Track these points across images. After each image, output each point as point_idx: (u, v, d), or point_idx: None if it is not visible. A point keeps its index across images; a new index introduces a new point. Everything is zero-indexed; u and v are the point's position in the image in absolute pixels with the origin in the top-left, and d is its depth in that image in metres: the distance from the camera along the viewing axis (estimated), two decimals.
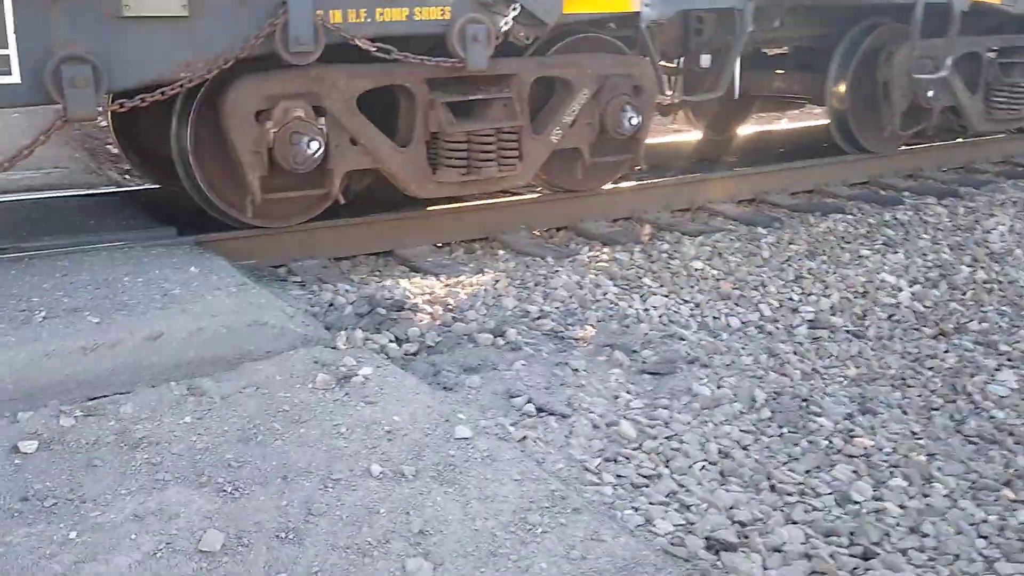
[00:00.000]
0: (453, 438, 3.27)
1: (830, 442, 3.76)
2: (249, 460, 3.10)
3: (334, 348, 4.00)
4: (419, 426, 3.34)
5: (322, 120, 5.16)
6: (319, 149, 5.08)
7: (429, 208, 6.06)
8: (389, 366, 3.88)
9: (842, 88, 7.57)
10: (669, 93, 6.70)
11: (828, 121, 7.96)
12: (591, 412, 3.70)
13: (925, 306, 5.51)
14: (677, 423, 3.70)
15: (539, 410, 3.69)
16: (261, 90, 5.00)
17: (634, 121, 6.15)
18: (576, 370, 4.13)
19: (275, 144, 5.01)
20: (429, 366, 4.16)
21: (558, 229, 6.40)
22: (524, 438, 3.41)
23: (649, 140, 7.04)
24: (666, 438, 3.57)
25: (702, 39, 6.76)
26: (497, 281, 5.25)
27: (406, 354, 4.29)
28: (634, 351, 4.41)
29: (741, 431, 3.74)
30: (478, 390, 3.87)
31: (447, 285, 5.18)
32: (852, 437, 3.83)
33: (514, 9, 5.38)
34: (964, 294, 5.72)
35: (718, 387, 4.08)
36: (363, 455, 3.13)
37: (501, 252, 5.91)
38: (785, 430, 3.82)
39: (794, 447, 3.69)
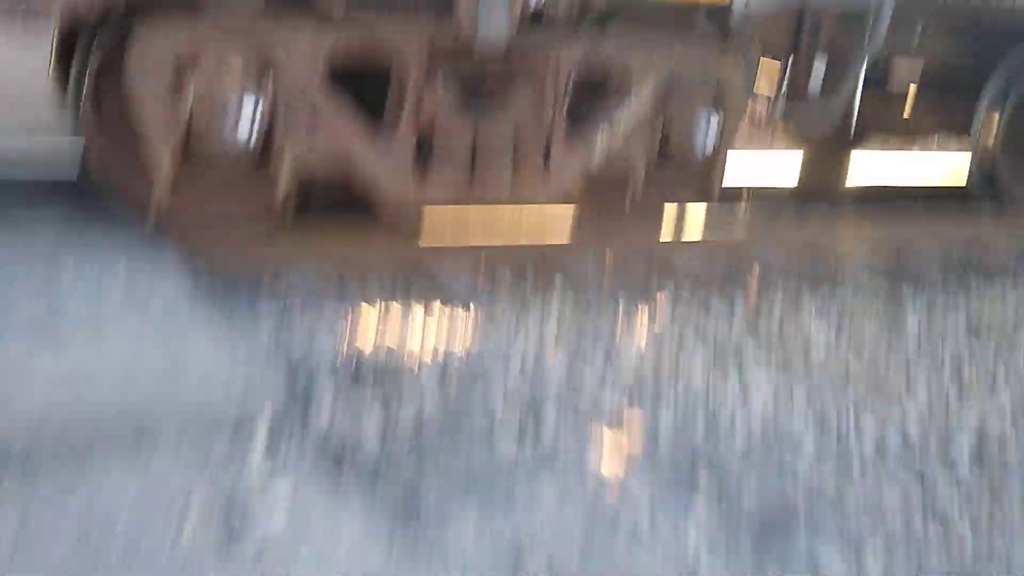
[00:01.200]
0: None
1: None
2: None
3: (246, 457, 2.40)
4: None
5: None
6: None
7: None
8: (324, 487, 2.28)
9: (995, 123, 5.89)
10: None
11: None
12: None
13: None
14: None
15: None
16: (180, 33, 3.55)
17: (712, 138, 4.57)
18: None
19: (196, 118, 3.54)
20: (402, 489, 2.58)
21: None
22: None
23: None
24: None
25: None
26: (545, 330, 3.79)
27: (382, 456, 2.78)
28: (726, 476, 2.80)
29: None
30: (467, 545, 2.24)
31: (476, 331, 3.76)
32: None
33: None
34: None
35: None
36: None
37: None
38: None
39: None
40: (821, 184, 6.77)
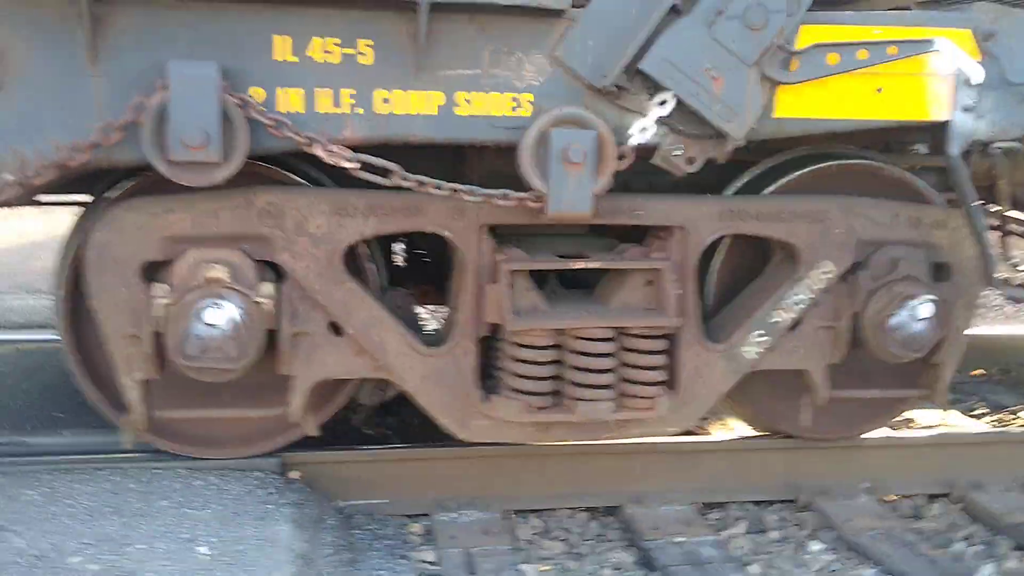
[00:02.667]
0: None
1: None
2: None
3: None
4: None
5: (267, 287, 2.82)
6: (246, 337, 2.75)
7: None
8: None
9: None
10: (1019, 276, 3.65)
11: None
12: None
13: None
14: None
15: None
16: (155, 226, 2.79)
17: (929, 328, 3.16)
18: None
19: (169, 325, 2.76)
20: None
21: (931, 497, 3.58)
22: None
23: None
24: None
25: None
26: None
27: None
28: None
29: None
30: None
31: None
32: None
33: (661, 103, 2.71)
34: None
35: None
36: None
37: (814, 545, 3.21)
38: None
39: None
40: None
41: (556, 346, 2.99)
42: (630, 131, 2.73)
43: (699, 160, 2.79)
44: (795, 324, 3.17)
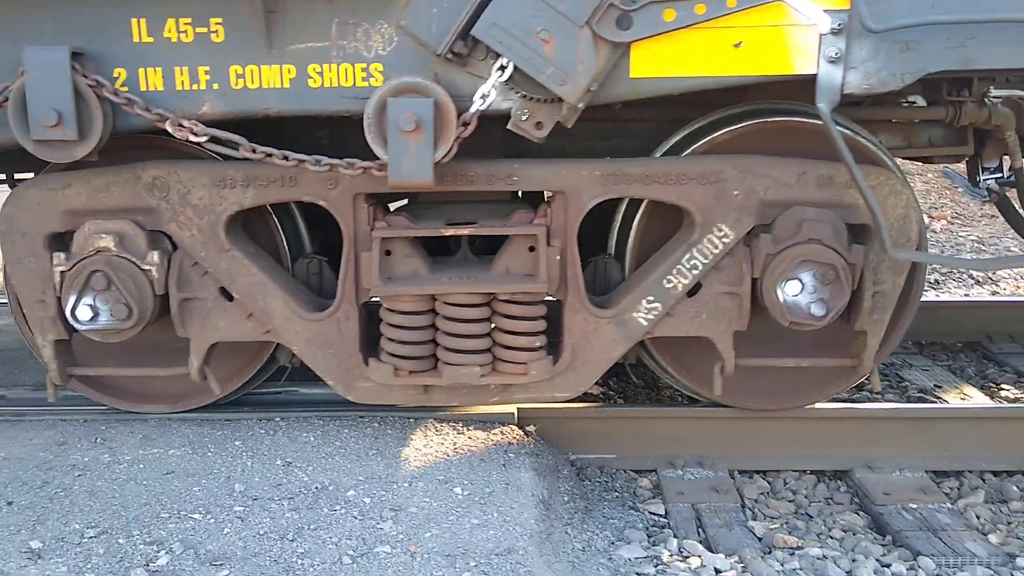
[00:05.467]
0: None
1: None
2: None
3: None
4: None
5: (154, 255, 3.03)
6: (125, 312, 2.99)
7: None
8: None
9: None
10: None
11: None
12: None
13: None
14: None
15: None
16: (55, 201, 3.04)
17: (820, 293, 2.99)
18: None
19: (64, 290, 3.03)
20: None
21: None
22: None
23: None
24: None
25: None
26: None
27: None
28: None
29: None
30: None
31: None
32: None
33: (500, 69, 2.69)
34: None
35: None
36: None
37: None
38: None
39: None
40: None
41: (432, 311, 3.05)
42: (473, 99, 2.73)
43: (548, 125, 2.75)
44: (694, 290, 3.09)
